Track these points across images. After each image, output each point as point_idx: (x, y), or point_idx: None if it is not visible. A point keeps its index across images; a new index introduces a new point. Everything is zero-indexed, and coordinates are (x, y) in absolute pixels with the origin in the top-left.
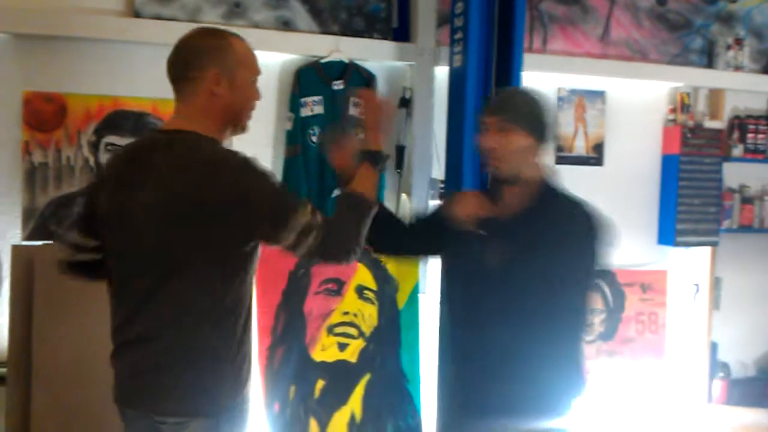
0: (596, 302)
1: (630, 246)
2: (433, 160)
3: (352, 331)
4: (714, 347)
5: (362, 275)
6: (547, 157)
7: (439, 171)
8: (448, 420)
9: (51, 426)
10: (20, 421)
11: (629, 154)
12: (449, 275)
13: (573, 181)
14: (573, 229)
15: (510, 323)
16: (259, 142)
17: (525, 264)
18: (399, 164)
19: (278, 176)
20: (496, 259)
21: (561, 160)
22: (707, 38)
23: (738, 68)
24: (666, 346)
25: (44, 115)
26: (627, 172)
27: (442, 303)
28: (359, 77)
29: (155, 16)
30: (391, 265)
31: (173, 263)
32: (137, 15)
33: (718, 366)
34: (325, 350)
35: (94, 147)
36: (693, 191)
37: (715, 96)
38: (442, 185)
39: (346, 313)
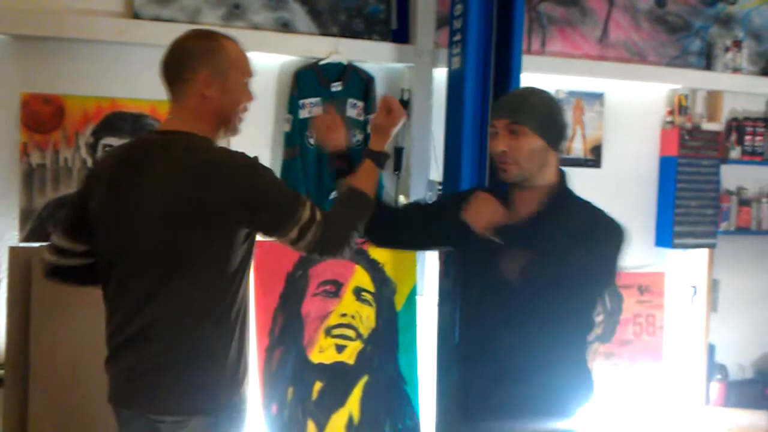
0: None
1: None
2: (431, 161)
3: (350, 333)
4: (711, 349)
5: (360, 277)
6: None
7: (437, 173)
8: (453, 422)
9: (48, 427)
10: (18, 422)
11: (627, 156)
12: (460, 278)
13: (571, 183)
14: (587, 233)
15: (521, 326)
16: (258, 144)
17: (538, 269)
18: (397, 166)
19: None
20: (509, 266)
21: (559, 162)
22: (706, 40)
23: (736, 70)
24: (664, 348)
25: (42, 116)
26: (625, 174)
27: (440, 304)
28: (358, 79)
29: (154, 18)
30: (389, 267)
31: (173, 263)
32: (136, 16)
33: (715, 368)
34: (322, 352)
35: (92, 149)
36: (691, 193)
37: (713, 98)
38: (440, 187)
39: (343, 315)
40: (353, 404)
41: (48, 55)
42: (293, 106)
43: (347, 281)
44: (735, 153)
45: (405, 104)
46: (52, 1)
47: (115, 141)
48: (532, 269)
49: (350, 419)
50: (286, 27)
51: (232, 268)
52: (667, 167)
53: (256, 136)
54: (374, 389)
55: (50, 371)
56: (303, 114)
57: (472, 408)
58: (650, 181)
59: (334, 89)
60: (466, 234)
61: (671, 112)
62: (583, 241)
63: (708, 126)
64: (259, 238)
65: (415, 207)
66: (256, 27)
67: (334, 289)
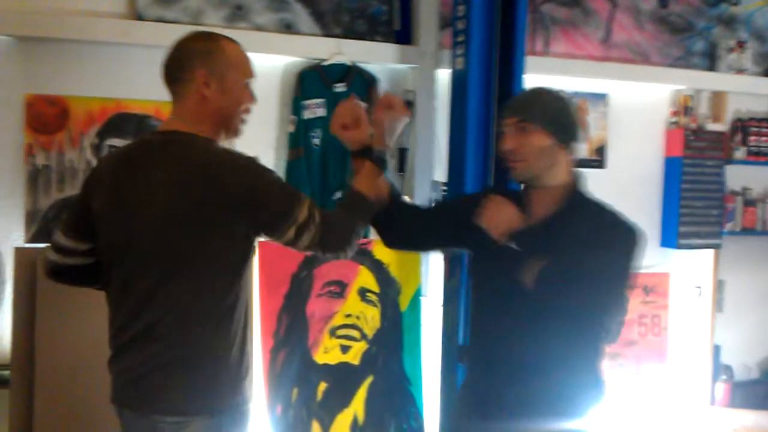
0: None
1: None
2: (435, 162)
3: (355, 333)
4: (717, 350)
5: (365, 277)
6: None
7: (441, 173)
8: (463, 422)
9: (54, 428)
10: (23, 422)
11: (631, 156)
12: (474, 279)
13: (585, 184)
14: (602, 237)
15: (535, 328)
16: (262, 145)
17: (554, 276)
18: (401, 166)
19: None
20: (525, 273)
21: (573, 163)
22: (709, 41)
23: (740, 71)
24: (669, 348)
25: (47, 117)
26: (629, 175)
27: (445, 305)
28: (361, 80)
29: (157, 19)
30: (394, 268)
31: (175, 263)
32: (139, 18)
33: (720, 368)
34: (327, 352)
35: (97, 150)
36: (695, 194)
37: (718, 99)
38: (444, 187)
39: (348, 316)
40: (358, 405)
41: (52, 56)
42: (297, 107)
43: (352, 282)
44: (740, 153)
45: (409, 105)
46: (56, 2)
47: (119, 142)
48: (548, 276)
49: (355, 420)
50: (289, 28)
51: (233, 268)
52: (672, 168)
53: (260, 137)
54: (379, 390)
55: (56, 372)
56: (307, 115)
57: (485, 408)
58: (655, 181)
59: (337, 90)
60: (481, 238)
61: (676, 113)
62: (598, 244)
63: (712, 126)
64: (261, 239)
65: (430, 210)
66: (259, 28)
67: (339, 289)
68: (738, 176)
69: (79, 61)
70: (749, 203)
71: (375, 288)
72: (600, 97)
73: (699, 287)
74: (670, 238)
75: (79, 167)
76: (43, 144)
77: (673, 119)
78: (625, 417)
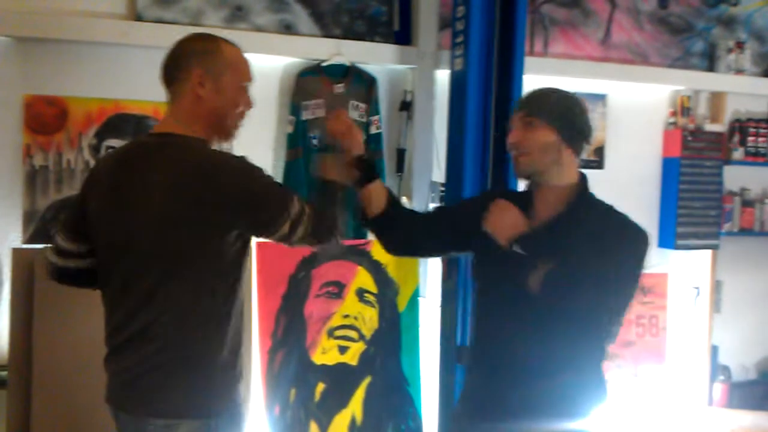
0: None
1: None
2: (433, 163)
3: (353, 334)
4: (714, 350)
5: (362, 278)
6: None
7: (439, 174)
8: (464, 423)
9: (51, 429)
10: (21, 423)
11: (630, 157)
12: (478, 282)
13: (591, 186)
14: (609, 238)
15: (540, 330)
16: (261, 145)
17: (559, 280)
18: (399, 167)
19: (279, 179)
20: (530, 275)
21: (579, 164)
22: (708, 41)
23: (739, 71)
24: (667, 349)
25: (45, 118)
26: (628, 175)
27: (443, 305)
28: (360, 80)
29: (157, 20)
30: (392, 269)
31: (175, 264)
32: (139, 18)
33: (718, 369)
34: (325, 353)
35: (95, 150)
36: (693, 194)
37: (716, 99)
38: (443, 188)
39: (346, 316)
40: (356, 405)
41: (51, 57)
42: (296, 108)
43: (350, 282)
44: (738, 154)
45: (408, 106)
46: (55, 3)
47: (118, 143)
48: (553, 280)
49: (353, 420)
50: (288, 29)
51: (228, 269)
52: (670, 168)
53: (259, 138)
54: (377, 390)
55: (53, 373)
56: (306, 116)
57: (488, 410)
58: (653, 182)
59: (336, 91)
60: (485, 242)
61: (674, 113)
62: (605, 246)
63: (711, 127)
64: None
65: (431, 214)
66: (258, 29)
67: (337, 290)
68: (736, 177)
69: (77, 61)
70: (747, 204)
71: (373, 289)
72: (599, 98)
73: (697, 288)
74: (668, 239)
75: (78, 168)
76: (41, 144)
77: (672, 120)
78: (624, 417)
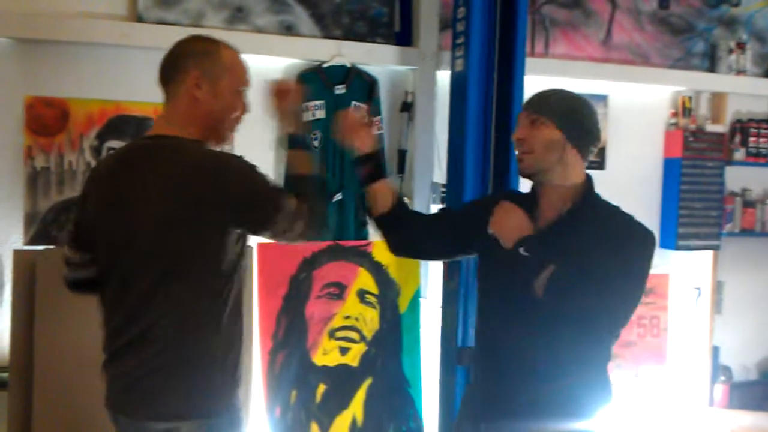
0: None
1: None
2: (434, 164)
3: (354, 335)
4: (715, 351)
5: (364, 279)
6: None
7: (440, 175)
8: (468, 423)
9: (52, 431)
10: (22, 425)
11: (631, 157)
12: (483, 284)
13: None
14: (615, 239)
15: (546, 333)
16: (261, 146)
17: (564, 283)
18: (400, 168)
19: (281, 180)
20: (536, 281)
21: (585, 165)
22: (709, 42)
23: (740, 72)
24: (668, 349)
25: (46, 119)
26: (629, 176)
27: (444, 306)
28: (361, 81)
29: (158, 21)
30: (393, 270)
31: (175, 264)
32: (140, 20)
33: (719, 370)
34: (326, 354)
35: (97, 152)
36: (695, 195)
37: (718, 100)
38: (444, 189)
39: (347, 317)
40: (357, 407)
41: (52, 58)
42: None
43: (351, 283)
44: (739, 154)
45: (408, 106)
46: (57, 4)
47: (119, 144)
48: (558, 283)
49: (354, 422)
50: (289, 30)
51: (227, 270)
52: (671, 169)
53: (260, 139)
54: (378, 391)
55: (54, 374)
56: (306, 117)
57: (494, 410)
58: (654, 182)
59: (337, 92)
60: (490, 244)
61: (675, 114)
62: (611, 249)
63: (712, 128)
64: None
65: (437, 216)
66: (259, 30)
67: (338, 291)
68: (737, 177)
69: (78, 63)
70: (748, 204)
71: (374, 290)
72: (600, 99)
73: (698, 288)
74: (669, 239)
75: (79, 169)
76: (42, 146)
77: (673, 120)
78: (625, 418)
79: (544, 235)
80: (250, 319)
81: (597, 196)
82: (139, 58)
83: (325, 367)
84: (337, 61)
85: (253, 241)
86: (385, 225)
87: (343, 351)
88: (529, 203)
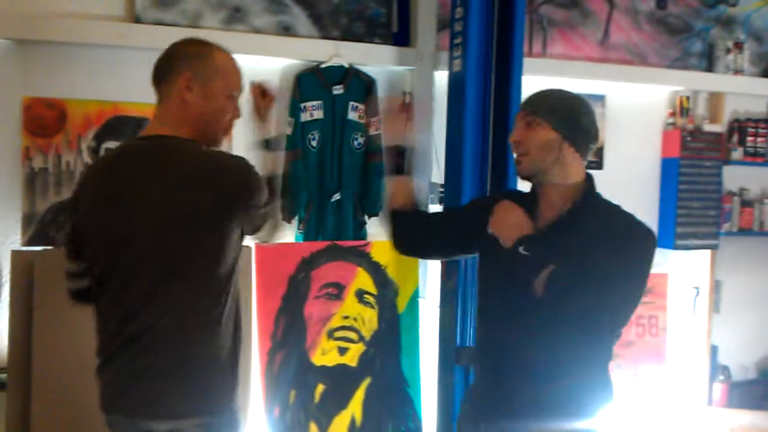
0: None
1: None
2: (432, 164)
3: (353, 335)
4: (714, 350)
5: (362, 279)
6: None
7: (438, 175)
8: (468, 423)
9: (50, 431)
10: (20, 426)
11: (629, 157)
12: (483, 283)
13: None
14: (616, 238)
15: (546, 333)
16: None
17: (564, 283)
18: (399, 168)
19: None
20: (536, 280)
21: (584, 164)
22: (707, 42)
23: (738, 72)
24: (666, 349)
25: (44, 120)
26: (627, 176)
27: (442, 306)
28: (359, 82)
29: (156, 22)
30: (391, 269)
31: (175, 264)
32: (137, 20)
33: (718, 369)
34: (325, 354)
35: (95, 152)
36: (693, 194)
37: (715, 99)
38: (442, 189)
39: (346, 318)
40: (355, 407)
41: (50, 59)
42: (295, 110)
43: (349, 283)
44: (737, 154)
45: (406, 107)
46: (55, 5)
47: (117, 145)
48: (557, 282)
49: (352, 422)
50: (287, 30)
51: (227, 270)
52: (669, 169)
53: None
54: (376, 391)
55: (52, 375)
56: (304, 117)
57: (496, 410)
58: (652, 182)
59: (335, 92)
60: (490, 244)
61: (673, 114)
62: (611, 248)
63: (710, 127)
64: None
65: (441, 216)
66: (257, 30)
67: (337, 291)
68: (735, 177)
69: (76, 63)
70: (746, 204)
71: (373, 290)
72: (598, 99)
73: (696, 288)
74: (667, 239)
75: (77, 170)
76: (40, 147)
77: (671, 120)
78: (624, 417)
79: (543, 234)
80: (249, 320)
81: (598, 196)
82: (136, 59)
83: (323, 367)
84: (335, 62)
85: (251, 241)
86: (397, 220)
87: (342, 351)
88: (529, 202)
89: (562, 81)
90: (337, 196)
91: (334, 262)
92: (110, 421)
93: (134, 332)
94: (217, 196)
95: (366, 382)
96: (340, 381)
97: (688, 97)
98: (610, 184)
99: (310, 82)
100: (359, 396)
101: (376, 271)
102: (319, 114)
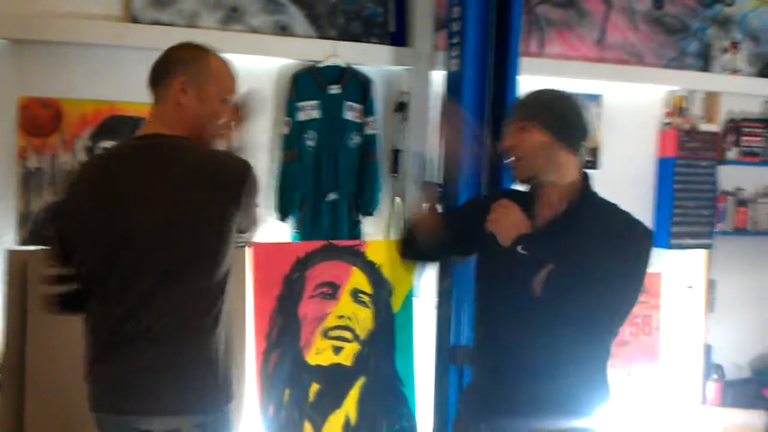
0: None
1: None
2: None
3: (347, 334)
4: (708, 349)
5: (357, 279)
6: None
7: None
8: (467, 422)
9: (45, 431)
10: (14, 426)
11: (625, 157)
12: (482, 283)
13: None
14: (614, 236)
15: (545, 332)
16: (256, 147)
17: (563, 282)
18: (395, 168)
19: (275, 181)
20: (534, 280)
21: (581, 164)
22: (703, 42)
23: (734, 72)
24: (660, 348)
25: (40, 120)
26: (622, 175)
27: (438, 305)
28: (356, 82)
29: (153, 22)
30: (386, 269)
31: (175, 263)
32: (134, 20)
33: (712, 368)
34: (320, 354)
35: (91, 152)
36: (688, 194)
37: (711, 99)
38: (440, 189)
39: (341, 317)
40: (350, 406)
41: (46, 59)
42: (291, 109)
43: (344, 283)
44: (732, 154)
45: (403, 107)
46: (51, 5)
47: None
48: (556, 281)
49: (347, 421)
50: (284, 30)
51: (224, 270)
52: (665, 168)
53: (255, 139)
54: (371, 391)
55: (47, 375)
56: (301, 117)
57: (494, 408)
58: (648, 182)
59: (332, 92)
60: (488, 243)
61: (669, 114)
62: (609, 246)
63: (706, 127)
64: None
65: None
66: (254, 30)
67: (331, 291)
68: (730, 176)
69: (73, 63)
70: (741, 203)
71: (367, 289)
72: (594, 98)
73: (690, 287)
74: (662, 238)
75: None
76: (36, 147)
77: (667, 120)
78: (618, 417)
79: (542, 233)
80: (244, 319)
81: (595, 194)
82: (133, 59)
83: (318, 366)
84: (332, 62)
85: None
86: (417, 238)
87: (337, 350)
88: (526, 201)
89: (558, 81)
90: (332, 196)
91: (328, 262)
92: (99, 419)
93: (134, 332)
94: (218, 196)
95: (360, 381)
96: (335, 380)
97: (684, 97)
98: (606, 184)
99: (307, 81)
100: (354, 395)
101: (371, 270)
102: (315, 114)
